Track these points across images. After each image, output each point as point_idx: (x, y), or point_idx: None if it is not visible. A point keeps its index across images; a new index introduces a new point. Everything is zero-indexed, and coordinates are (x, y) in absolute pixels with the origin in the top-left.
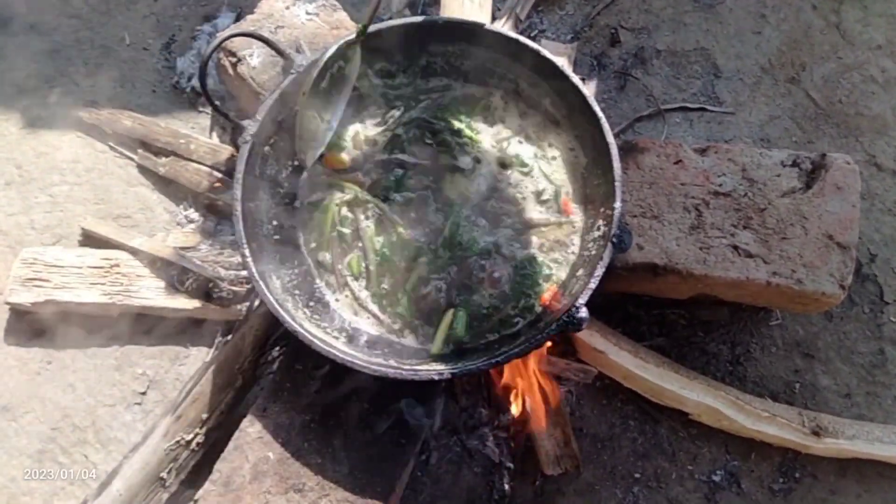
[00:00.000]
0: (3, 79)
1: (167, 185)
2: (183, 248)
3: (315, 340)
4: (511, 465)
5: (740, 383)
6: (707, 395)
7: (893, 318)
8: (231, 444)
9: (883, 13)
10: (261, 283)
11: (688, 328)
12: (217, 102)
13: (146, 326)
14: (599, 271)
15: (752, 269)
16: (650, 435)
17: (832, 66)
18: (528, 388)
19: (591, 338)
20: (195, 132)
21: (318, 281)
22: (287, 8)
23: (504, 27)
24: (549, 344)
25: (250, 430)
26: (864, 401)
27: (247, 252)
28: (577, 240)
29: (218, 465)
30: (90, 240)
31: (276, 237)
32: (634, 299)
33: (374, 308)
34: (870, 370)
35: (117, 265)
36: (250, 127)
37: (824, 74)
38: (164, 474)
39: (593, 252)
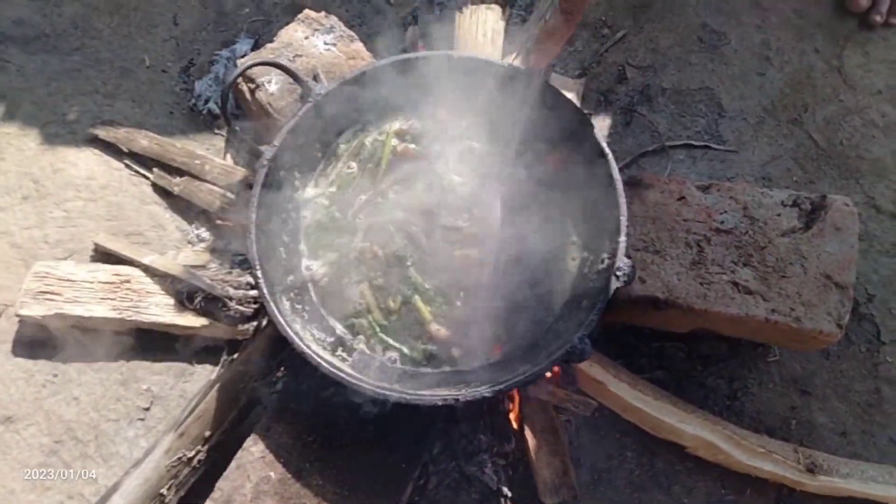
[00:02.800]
0: (22, 96)
1: (180, 205)
2: (193, 267)
3: (322, 362)
4: (509, 493)
5: (737, 418)
6: (704, 429)
7: (890, 357)
8: (233, 463)
9: (884, 59)
10: (271, 303)
11: (687, 362)
12: (237, 128)
13: (153, 343)
14: (602, 304)
15: (752, 305)
16: (647, 467)
17: (834, 108)
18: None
19: (591, 368)
20: (210, 153)
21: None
22: (306, 38)
23: (514, 62)
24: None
25: (253, 449)
26: (859, 439)
27: (259, 273)
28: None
29: (220, 484)
30: (102, 255)
31: (286, 257)
32: (635, 331)
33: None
34: (866, 409)
35: (128, 281)
36: (268, 152)
37: (826, 117)
38: (164, 491)
39: (597, 284)
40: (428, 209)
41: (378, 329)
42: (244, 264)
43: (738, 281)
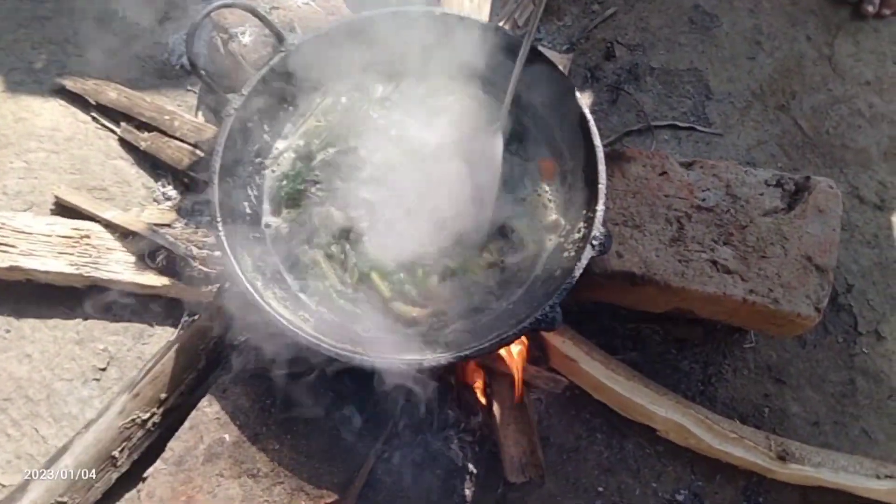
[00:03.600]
0: None
1: (147, 161)
2: (157, 225)
3: (281, 320)
4: (474, 470)
5: (710, 403)
6: (676, 412)
7: (866, 349)
8: (187, 423)
9: (874, 50)
10: (232, 258)
11: (662, 344)
12: (203, 72)
13: (112, 301)
14: (577, 272)
15: (730, 285)
16: (616, 449)
17: (822, 97)
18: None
19: (564, 345)
20: (181, 110)
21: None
22: None
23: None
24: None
25: (208, 409)
26: (831, 430)
27: (220, 227)
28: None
29: (171, 444)
30: (63, 209)
31: (250, 214)
32: (610, 311)
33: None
34: (839, 399)
35: (87, 236)
36: (235, 101)
37: (814, 105)
38: (115, 453)
39: (572, 253)
40: (396, 173)
41: (335, 295)
42: (210, 224)
43: (717, 259)
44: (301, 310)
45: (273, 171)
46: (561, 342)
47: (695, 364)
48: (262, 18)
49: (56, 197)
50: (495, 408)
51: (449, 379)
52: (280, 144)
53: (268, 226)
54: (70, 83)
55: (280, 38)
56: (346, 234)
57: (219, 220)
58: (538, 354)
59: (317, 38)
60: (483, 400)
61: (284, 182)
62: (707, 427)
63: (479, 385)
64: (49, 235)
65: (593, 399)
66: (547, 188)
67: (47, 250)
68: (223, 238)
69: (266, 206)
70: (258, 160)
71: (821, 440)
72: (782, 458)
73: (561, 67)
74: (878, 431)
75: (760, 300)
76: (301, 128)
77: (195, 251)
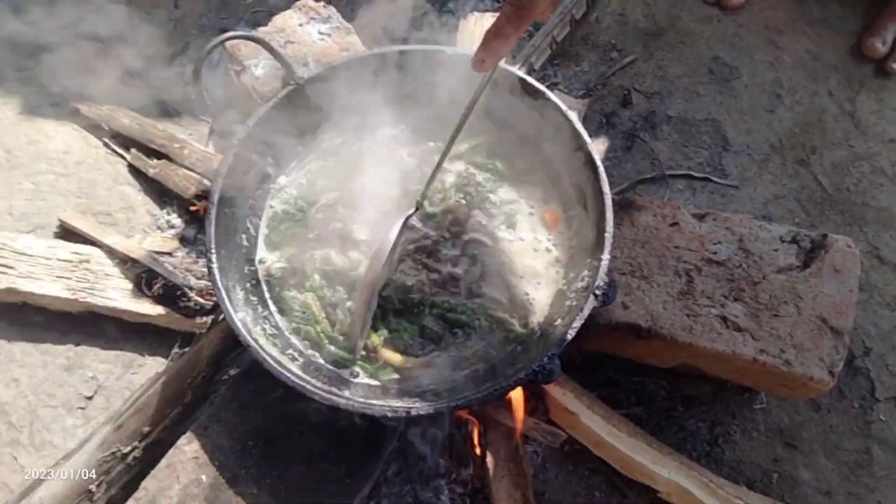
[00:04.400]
0: (10, 64)
1: (155, 188)
2: (158, 252)
3: (268, 358)
4: None
5: (716, 466)
6: (679, 474)
7: (884, 416)
8: (163, 462)
9: None
10: (222, 290)
11: (668, 401)
12: (209, 102)
13: (105, 329)
14: (578, 322)
15: (740, 343)
16: None
17: (843, 153)
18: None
19: (564, 397)
20: (192, 139)
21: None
22: (300, 25)
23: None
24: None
25: (187, 448)
26: (844, 500)
27: (213, 258)
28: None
29: (146, 483)
30: (67, 233)
31: (247, 247)
32: (615, 363)
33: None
34: (854, 469)
35: (87, 261)
36: (240, 131)
37: (834, 161)
38: (93, 487)
39: (574, 303)
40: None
41: (326, 341)
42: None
43: (727, 316)
44: (290, 349)
45: (272, 207)
46: (561, 394)
47: (702, 423)
48: (272, 51)
49: (60, 220)
50: (489, 459)
51: (443, 426)
52: (283, 180)
53: (262, 262)
54: (84, 108)
55: (290, 72)
56: (342, 279)
57: (213, 251)
58: (537, 405)
59: (327, 72)
60: (477, 450)
61: (284, 221)
62: (711, 491)
63: (473, 434)
64: (49, 259)
65: (593, 455)
66: (549, 237)
67: (46, 273)
68: (215, 269)
69: (262, 242)
70: (259, 193)
71: None
72: None
73: (576, 113)
74: None
75: (771, 361)
76: (306, 165)
77: (193, 281)
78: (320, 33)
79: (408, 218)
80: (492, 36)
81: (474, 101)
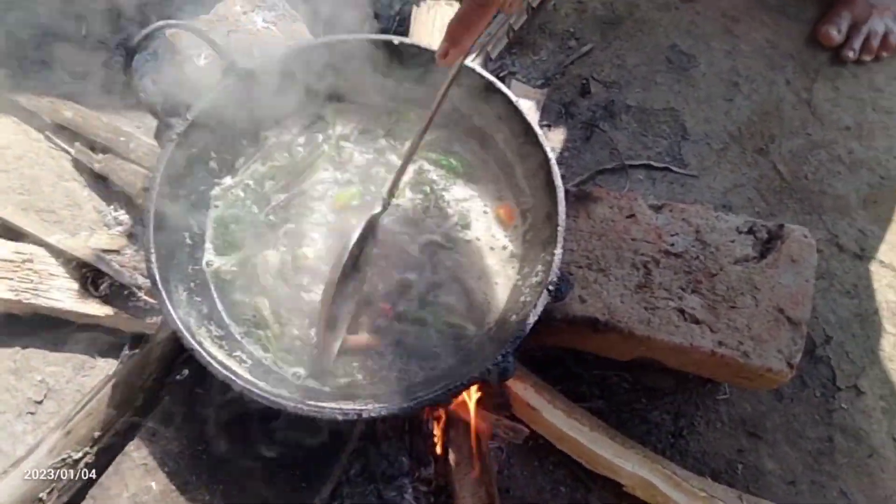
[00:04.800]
0: None
1: (100, 184)
2: (105, 251)
3: (212, 362)
4: None
5: (681, 457)
6: (643, 467)
7: (845, 404)
8: (111, 469)
9: (853, 95)
10: (162, 291)
11: (630, 393)
12: (143, 95)
13: (54, 330)
14: (532, 319)
15: (698, 335)
16: None
17: (801, 141)
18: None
19: (526, 392)
20: (140, 132)
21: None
22: (244, 13)
23: (473, 63)
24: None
25: (135, 454)
26: (808, 489)
27: (152, 257)
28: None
29: (92, 492)
30: (7, 231)
31: (190, 245)
32: (576, 357)
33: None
34: (817, 457)
35: (30, 260)
36: (178, 126)
37: (792, 149)
38: (43, 495)
39: (528, 298)
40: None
41: (274, 345)
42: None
43: (684, 308)
44: (238, 350)
45: (217, 207)
46: (523, 389)
47: (665, 415)
48: (206, 40)
49: (1, 218)
50: (451, 456)
51: (403, 425)
52: (228, 180)
53: (209, 264)
54: (24, 100)
55: (230, 63)
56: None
57: (151, 249)
58: (499, 401)
59: (269, 62)
60: (438, 448)
61: (231, 223)
62: (675, 484)
63: (434, 432)
64: None
65: (557, 450)
66: (505, 233)
67: None
68: (154, 267)
69: (209, 245)
70: (203, 189)
71: (797, 500)
72: None
73: (534, 102)
74: (857, 493)
75: (729, 353)
76: (252, 165)
77: (140, 280)
78: (264, 21)
79: (374, 217)
80: (455, 27)
81: (442, 97)
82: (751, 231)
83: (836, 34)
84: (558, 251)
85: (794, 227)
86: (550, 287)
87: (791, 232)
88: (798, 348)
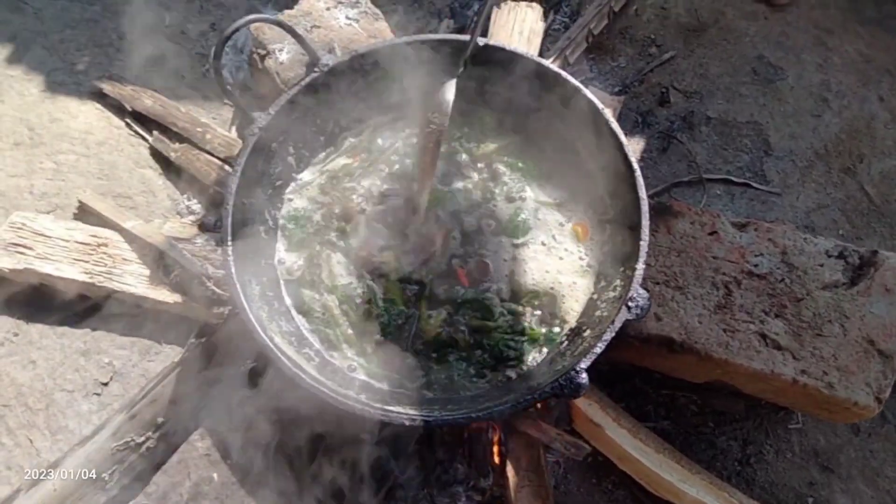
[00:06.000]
0: (34, 40)
1: (175, 173)
2: (177, 239)
3: (282, 358)
4: None
5: (747, 486)
6: (709, 494)
7: None
8: (175, 457)
9: None
10: (237, 284)
11: (698, 416)
12: (229, 87)
13: (123, 313)
14: (608, 335)
15: (780, 362)
16: None
17: (893, 162)
18: (513, 451)
19: (589, 408)
20: (216, 123)
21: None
22: (328, 9)
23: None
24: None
25: (199, 444)
26: None
27: (229, 249)
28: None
29: (156, 478)
30: (85, 214)
31: (265, 240)
32: (644, 374)
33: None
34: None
35: (105, 245)
36: (260, 119)
37: (883, 170)
38: (106, 475)
39: (605, 314)
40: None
41: (345, 343)
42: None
43: (766, 333)
44: (306, 348)
45: (292, 201)
46: (587, 405)
47: (733, 441)
48: (295, 35)
49: (80, 201)
50: (509, 468)
51: (462, 432)
52: (306, 175)
53: (281, 262)
54: (108, 87)
55: (314, 58)
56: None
57: (229, 241)
58: (560, 415)
59: (352, 59)
60: (496, 459)
61: (305, 221)
62: None
63: (493, 442)
64: (67, 241)
65: (617, 469)
66: (580, 248)
67: (63, 255)
68: (231, 261)
69: (281, 239)
70: (280, 184)
71: None
72: None
73: (611, 110)
74: None
75: (813, 383)
76: (331, 162)
77: (210, 270)
78: (347, 18)
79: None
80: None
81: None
82: (841, 256)
83: None
84: (640, 266)
85: (888, 254)
86: (630, 304)
87: (886, 259)
88: (889, 383)
